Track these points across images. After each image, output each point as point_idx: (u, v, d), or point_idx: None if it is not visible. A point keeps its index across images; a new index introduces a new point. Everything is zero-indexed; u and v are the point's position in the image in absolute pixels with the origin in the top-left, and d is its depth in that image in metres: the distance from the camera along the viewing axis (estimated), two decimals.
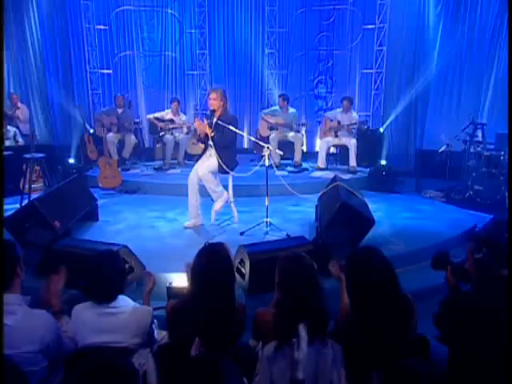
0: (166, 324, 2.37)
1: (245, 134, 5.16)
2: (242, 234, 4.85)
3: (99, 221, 5.29)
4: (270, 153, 4.92)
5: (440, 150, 6.93)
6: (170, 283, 3.56)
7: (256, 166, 5.24)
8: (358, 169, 7.34)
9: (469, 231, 5.11)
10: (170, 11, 9.31)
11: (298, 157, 7.56)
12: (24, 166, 6.31)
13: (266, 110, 8.00)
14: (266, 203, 4.97)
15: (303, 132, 9.01)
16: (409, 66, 8.38)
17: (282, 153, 5.06)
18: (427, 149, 7.71)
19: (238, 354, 2.36)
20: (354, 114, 7.41)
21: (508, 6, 6.36)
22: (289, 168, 7.53)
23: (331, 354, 2.14)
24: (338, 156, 7.88)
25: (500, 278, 2.36)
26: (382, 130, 8.02)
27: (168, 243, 4.65)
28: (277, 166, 7.53)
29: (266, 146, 4.86)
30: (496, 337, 2.08)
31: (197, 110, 8.89)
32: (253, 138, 4.97)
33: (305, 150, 9.03)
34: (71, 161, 6.77)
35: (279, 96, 7.91)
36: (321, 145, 7.48)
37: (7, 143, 6.91)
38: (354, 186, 6.72)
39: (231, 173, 5.07)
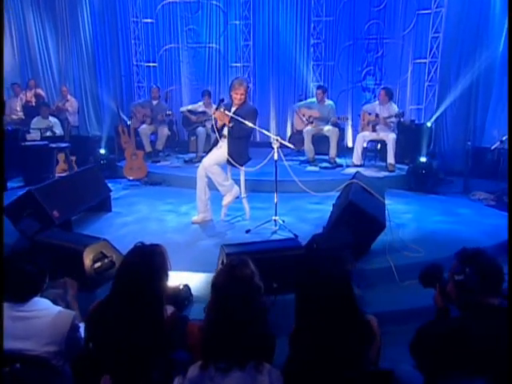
0: (85, 328, 2.18)
1: (259, 129, 4.82)
2: (247, 232, 4.58)
3: (112, 212, 5.28)
4: (281, 145, 4.58)
5: (492, 147, 6.16)
6: None
7: (267, 159, 4.89)
8: (399, 166, 6.75)
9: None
10: (214, 2, 9.18)
11: (333, 152, 7.11)
12: (60, 157, 6.52)
13: (301, 103, 7.63)
14: (275, 200, 4.66)
15: (349, 125, 8.54)
16: (468, 55, 7.57)
17: (292, 146, 4.69)
18: (479, 146, 6.91)
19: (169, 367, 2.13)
20: (394, 107, 6.79)
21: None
22: (323, 164, 7.10)
23: (267, 381, 1.84)
24: (378, 152, 7.28)
25: (484, 305, 1.90)
26: (429, 124, 7.31)
27: (169, 238, 4.48)
28: (310, 162, 7.20)
29: (274, 138, 4.54)
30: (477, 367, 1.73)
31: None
32: (262, 130, 4.65)
33: (350, 145, 8.56)
34: (102, 151, 6.87)
35: (317, 87, 7.49)
36: (357, 140, 6.96)
37: (47, 133, 7.17)
38: (390, 185, 6.25)
39: (241, 167, 4.81)
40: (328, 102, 7.33)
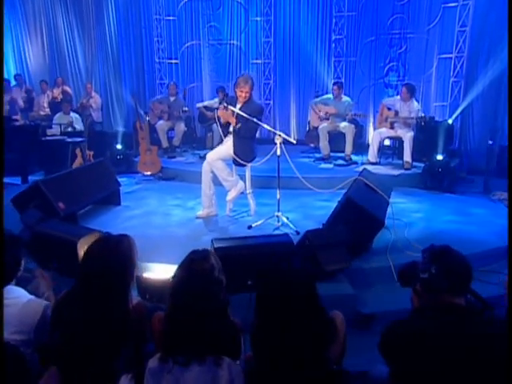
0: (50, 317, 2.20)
1: (265, 126, 4.77)
2: (249, 227, 4.56)
3: (121, 205, 5.37)
4: (284, 141, 4.52)
5: None
6: (141, 273, 3.42)
7: (269, 154, 4.82)
8: (417, 164, 6.54)
9: None
10: None
11: (348, 149, 6.97)
12: (79, 152, 6.69)
13: (317, 99, 7.51)
14: (278, 196, 4.61)
15: (370, 122, 8.37)
16: (496, 49, 7.26)
17: (294, 141, 4.61)
18: (505, 145, 6.60)
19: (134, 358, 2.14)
20: (415, 105, 6.55)
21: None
22: (338, 161, 6.99)
23: (226, 375, 1.82)
24: (396, 149, 7.08)
25: (448, 305, 1.81)
26: (450, 121, 7.05)
27: (170, 232, 4.53)
28: (325, 159, 7.10)
29: (277, 133, 4.48)
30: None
31: None
32: (266, 126, 4.61)
33: (370, 142, 8.37)
34: (119, 146, 7.00)
35: (333, 83, 7.36)
36: (373, 136, 6.79)
37: (68, 129, 7.37)
38: (404, 183, 6.09)
39: (247, 164, 4.79)
40: (345, 98, 7.20)
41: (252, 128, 4.64)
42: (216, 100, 7.64)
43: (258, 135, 4.89)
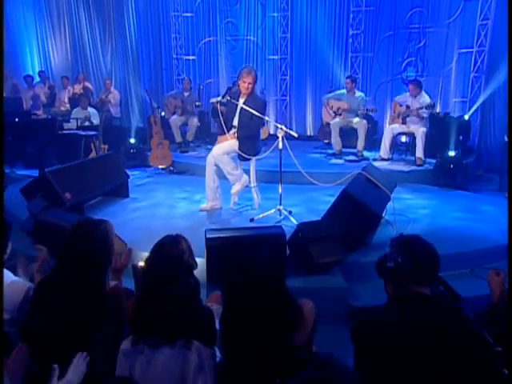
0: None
1: (267, 119, 4.77)
2: (251, 220, 4.57)
3: (129, 197, 5.47)
4: (286, 134, 4.50)
5: None
6: (138, 262, 3.49)
7: (272, 148, 4.82)
8: (431, 161, 6.40)
9: None
10: None
11: (360, 145, 6.89)
12: (92, 145, 6.85)
13: (329, 94, 7.44)
14: (280, 190, 4.61)
15: (387, 118, 8.23)
16: None
17: (296, 135, 4.59)
18: None
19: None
20: (425, 97, 6.43)
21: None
22: (350, 157, 6.92)
23: (196, 359, 1.86)
24: (410, 146, 6.95)
25: (413, 294, 1.78)
26: (466, 117, 6.87)
27: (173, 224, 4.59)
28: (337, 154, 7.04)
29: (279, 126, 4.47)
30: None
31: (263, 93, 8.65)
32: (268, 119, 4.60)
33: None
34: (132, 141, 7.12)
35: (346, 77, 7.27)
36: (385, 132, 6.69)
37: (86, 123, 7.55)
38: (416, 179, 5.98)
39: (252, 158, 4.80)
40: (358, 93, 7.11)
41: (257, 125, 4.66)
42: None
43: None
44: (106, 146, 7.02)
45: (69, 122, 7.56)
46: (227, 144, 4.76)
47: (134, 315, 2.00)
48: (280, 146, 4.47)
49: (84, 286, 2.12)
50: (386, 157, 6.57)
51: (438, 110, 7.53)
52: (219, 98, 4.73)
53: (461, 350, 1.62)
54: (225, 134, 4.70)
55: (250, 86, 4.56)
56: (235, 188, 4.91)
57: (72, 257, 2.15)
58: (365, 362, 1.76)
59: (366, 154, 7.03)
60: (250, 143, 4.74)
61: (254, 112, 4.45)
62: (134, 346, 1.91)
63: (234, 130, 4.76)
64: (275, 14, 9.15)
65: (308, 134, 9.31)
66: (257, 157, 4.84)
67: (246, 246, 3.19)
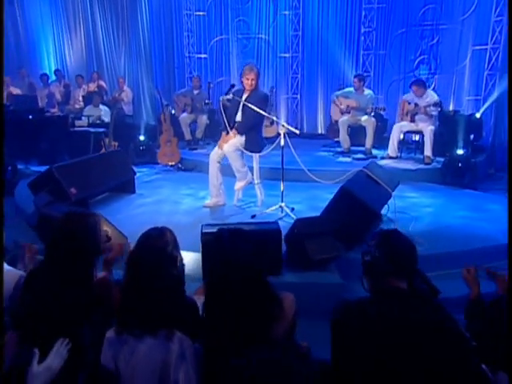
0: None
1: (269, 115, 4.77)
2: (253, 217, 4.60)
3: (135, 193, 5.55)
4: (288, 131, 4.51)
5: None
6: None
7: (274, 145, 4.82)
8: (440, 160, 6.32)
9: None
10: None
11: (368, 143, 6.84)
12: (102, 142, 6.97)
13: (338, 92, 7.40)
14: (281, 188, 4.61)
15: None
16: None
17: (297, 132, 4.58)
18: None
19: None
20: (432, 94, 6.35)
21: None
22: (358, 155, 6.87)
23: (177, 349, 1.89)
24: (419, 144, 6.86)
25: (389, 288, 1.78)
26: (478, 115, 6.75)
27: (175, 219, 4.63)
28: (345, 152, 7.01)
29: (281, 123, 4.48)
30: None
31: (272, 91, 8.65)
32: (269, 115, 4.60)
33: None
34: (141, 138, 7.21)
35: (354, 76, 7.22)
36: (393, 130, 6.62)
37: (97, 121, 7.68)
38: (423, 178, 5.92)
39: (255, 154, 4.82)
40: (367, 91, 7.06)
41: (259, 121, 4.67)
42: None
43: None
44: (117, 143, 7.13)
45: (80, 119, 7.70)
46: (235, 141, 4.76)
47: (119, 305, 2.04)
48: (282, 142, 4.48)
49: (71, 277, 2.17)
50: (393, 155, 6.51)
51: (450, 108, 7.42)
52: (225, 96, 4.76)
53: (434, 345, 1.61)
54: (227, 131, 4.74)
55: (254, 81, 4.58)
56: (239, 184, 4.93)
57: (60, 247, 2.20)
58: (339, 349, 1.76)
59: (374, 152, 6.97)
60: (254, 139, 4.75)
61: (253, 107, 4.46)
62: (118, 336, 1.95)
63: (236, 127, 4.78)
64: (287, 12, 9.15)
65: (319, 132, 9.28)
66: (261, 153, 4.87)
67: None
